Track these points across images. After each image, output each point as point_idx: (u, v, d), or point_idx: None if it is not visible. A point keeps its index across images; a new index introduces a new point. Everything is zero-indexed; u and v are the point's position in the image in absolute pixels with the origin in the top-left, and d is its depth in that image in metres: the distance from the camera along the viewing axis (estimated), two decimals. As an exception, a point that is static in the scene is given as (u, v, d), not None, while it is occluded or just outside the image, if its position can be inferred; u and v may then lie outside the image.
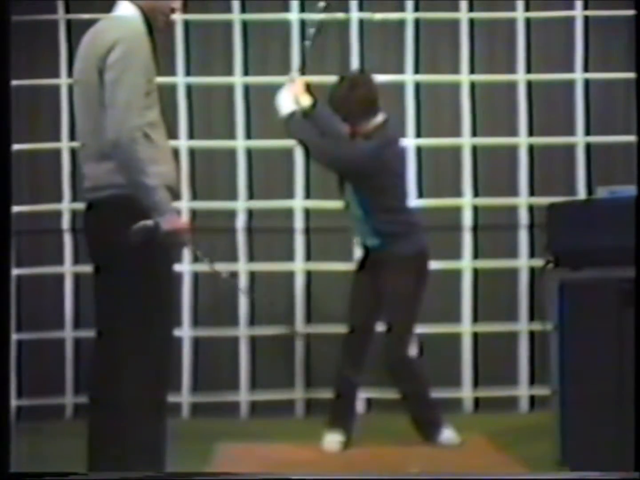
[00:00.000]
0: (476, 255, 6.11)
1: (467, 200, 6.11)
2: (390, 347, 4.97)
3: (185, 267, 5.93)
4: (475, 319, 6.09)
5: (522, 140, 6.14)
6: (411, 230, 5.02)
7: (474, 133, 6.14)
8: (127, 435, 3.72)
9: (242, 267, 6.05)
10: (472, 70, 6.15)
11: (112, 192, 3.62)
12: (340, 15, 6.09)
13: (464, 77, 6.14)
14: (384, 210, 4.94)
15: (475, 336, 6.08)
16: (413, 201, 5.57)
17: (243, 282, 6.04)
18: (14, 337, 5.75)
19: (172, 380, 4.63)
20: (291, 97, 4.97)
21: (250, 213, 6.07)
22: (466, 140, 6.13)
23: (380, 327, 5.05)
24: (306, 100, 5.01)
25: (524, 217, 6.10)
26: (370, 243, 5.00)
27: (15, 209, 5.35)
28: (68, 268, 6.01)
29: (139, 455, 3.76)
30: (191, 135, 6.07)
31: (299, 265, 6.06)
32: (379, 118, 4.95)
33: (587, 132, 6.14)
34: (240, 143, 6.07)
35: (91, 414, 3.83)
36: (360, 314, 5.03)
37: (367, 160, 4.86)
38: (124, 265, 3.68)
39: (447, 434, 5.02)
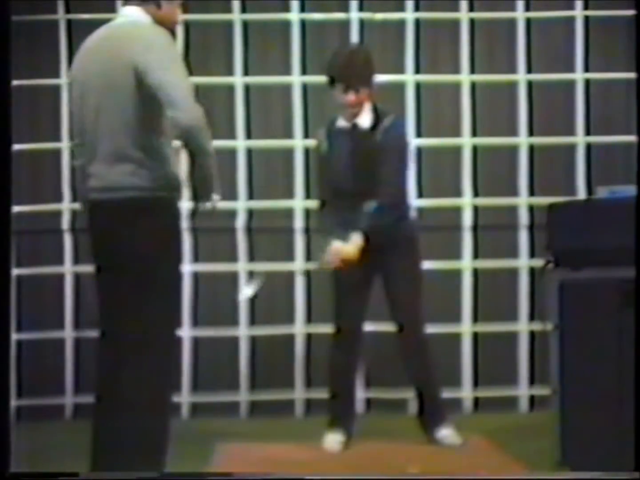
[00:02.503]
0: (476, 255, 6.11)
1: (467, 200, 6.11)
2: (410, 326, 4.98)
3: (185, 267, 5.92)
4: (475, 319, 6.09)
5: (522, 140, 6.14)
6: (410, 211, 5.11)
7: (474, 133, 6.14)
8: (135, 434, 3.75)
9: (242, 267, 6.05)
10: (472, 70, 6.15)
11: (133, 194, 3.71)
12: (341, 15, 6.10)
13: (464, 77, 6.14)
14: (396, 193, 4.96)
15: (475, 336, 6.09)
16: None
17: (244, 282, 6.04)
18: (14, 337, 5.75)
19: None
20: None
21: (250, 213, 6.07)
22: (466, 140, 6.13)
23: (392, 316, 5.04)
24: None
25: (524, 217, 6.09)
26: (378, 225, 4.93)
27: (15, 209, 5.35)
28: (68, 268, 6.01)
29: (142, 455, 3.79)
30: (191, 135, 6.07)
31: (299, 266, 6.06)
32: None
33: (587, 132, 6.14)
34: (240, 143, 6.07)
35: (101, 413, 3.85)
36: (352, 311, 5.03)
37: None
38: (141, 265, 3.75)
39: (449, 433, 5.02)
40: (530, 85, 6.15)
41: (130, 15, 3.85)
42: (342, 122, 4.98)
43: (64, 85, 5.98)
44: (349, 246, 4.81)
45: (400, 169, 4.97)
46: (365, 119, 4.94)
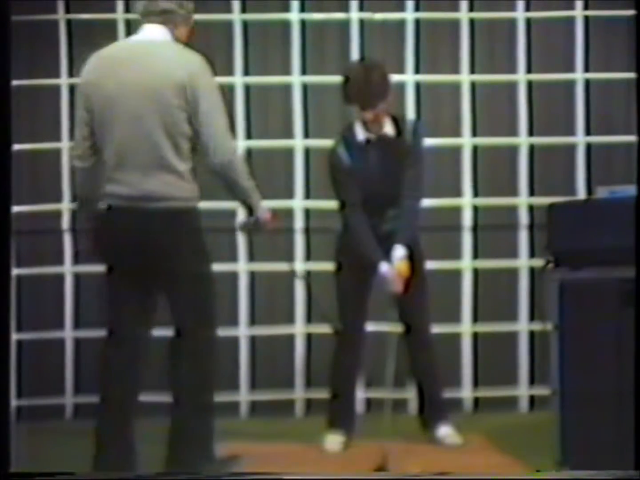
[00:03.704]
0: (476, 255, 6.11)
1: (467, 200, 6.12)
2: (418, 325, 5.04)
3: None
4: (475, 319, 6.09)
5: (522, 140, 6.14)
6: None
7: (474, 133, 6.15)
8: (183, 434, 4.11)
9: (242, 267, 6.05)
10: (472, 70, 6.15)
11: (174, 204, 4.00)
12: (341, 15, 6.10)
13: (464, 77, 6.14)
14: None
15: (475, 336, 6.09)
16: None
17: (244, 282, 6.05)
18: (14, 337, 5.75)
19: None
20: None
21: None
22: (466, 140, 6.14)
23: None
24: None
25: (524, 217, 6.10)
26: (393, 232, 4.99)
27: (15, 209, 5.35)
28: (68, 268, 6.01)
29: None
30: (191, 135, 6.07)
31: (298, 266, 6.06)
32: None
33: (587, 132, 6.14)
34: (240, 143, 6.06)
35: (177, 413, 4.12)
36: (355, 311, 5.04)
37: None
38: (188, 267, 4.06)
39: (449, 432, 5.04)
40: (530, 85, 6.15)
41: (158, 34, 4.10)
42: (365, 134, 4.94)
43: (64, 85, 5.99)
44: (400, 265, 4.87)
45: (424, 170, 5.04)
46: (389, 128, 4.95)
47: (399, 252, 4.88)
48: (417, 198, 5.01)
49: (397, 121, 4.98)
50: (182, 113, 3.97)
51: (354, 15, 6.11)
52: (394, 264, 4.86)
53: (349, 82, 4.85)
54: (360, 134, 4.94)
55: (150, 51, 4.08)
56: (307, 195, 6.08)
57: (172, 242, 4.02)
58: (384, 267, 4.87)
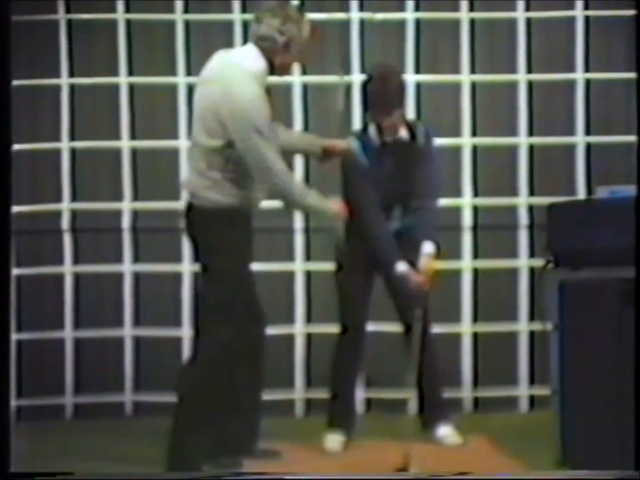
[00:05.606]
0: (476, 255, 6.11)
1: (467, 200, 6.12)
2: (425, 319, 5.03)
3: (185, 267, 5.93)
4: (475, 319, 6.09)
5: (522, 140, 6.14)
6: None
7: (474, 133, 6.14)
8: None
9: (242, 267, 6.04)
10: (472, 70, 6.15)
11: (207, 204, 4.37)
12: (341, 15, 6.10)
13: (464, 77, 6.14)
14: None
15: (475, 336, 6.09)
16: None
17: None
18: (14, 337, 5.75)
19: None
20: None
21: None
22: (466, 140, 6.13)
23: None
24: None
25: (524, 217, 6.10)
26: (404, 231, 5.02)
27: (15, 209, 5.35)
28: (68, 268, 6.01)
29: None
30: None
31: (299, 265, 6.06)
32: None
33: (587, 132, 6.14)
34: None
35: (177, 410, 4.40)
36: (356, 311, 5.04)
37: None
38: (217, 263, 4.38)
39: (449, 432, 5.04)
40: (530, 85, 6.15)
41: (247, 51, 4.43)
42: (381, 138, 4.98)
43: (64, 85, 5.99)
44: (429, 261, 4.92)
45: (439, 171, 5.12)
46: (404, 132, 5.01)
47: (428, 248, 4.91)
48: (435, 197, 5.07)
49: (410, 125, 5.04)
50: (215, 131, 4.31)
51: (354, 15, 6.11)
52: (423, 261, 4.89)
53: (366, 89, 4.93)
54: (376, 137, 4.98)
55: (223, 64, 4.46)
56: (307, 195, 6.07)
57: (201, 234, 4.46)
58: (401, 266, 4.88)
